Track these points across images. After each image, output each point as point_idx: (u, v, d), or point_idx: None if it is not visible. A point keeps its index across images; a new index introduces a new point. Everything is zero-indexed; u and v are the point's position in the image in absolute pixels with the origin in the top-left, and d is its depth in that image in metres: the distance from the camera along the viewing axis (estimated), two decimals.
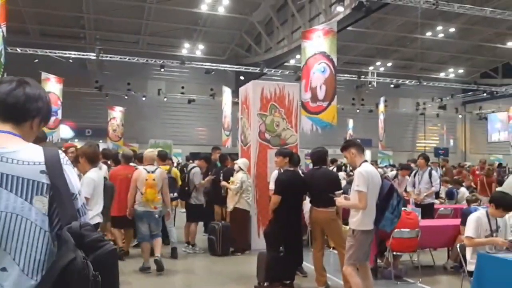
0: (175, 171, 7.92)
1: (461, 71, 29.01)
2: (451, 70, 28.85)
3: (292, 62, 23.52)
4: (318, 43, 14.16)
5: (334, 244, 5.83)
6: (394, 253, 6.38)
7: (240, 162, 7.87)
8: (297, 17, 20.65)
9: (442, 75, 28.59)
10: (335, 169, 14.20)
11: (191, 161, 11.27)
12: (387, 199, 4.71)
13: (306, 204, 6.34)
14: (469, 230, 5.01)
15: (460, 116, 31.17)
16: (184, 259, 7.49)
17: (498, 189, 7.42)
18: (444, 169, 13.46)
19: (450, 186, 11.27)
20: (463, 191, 11.04)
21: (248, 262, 6.85)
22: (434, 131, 30.83)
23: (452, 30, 23.10)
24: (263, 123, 8.16)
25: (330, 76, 13.85)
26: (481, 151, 30.91)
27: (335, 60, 14.02)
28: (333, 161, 15.99)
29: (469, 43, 25.59)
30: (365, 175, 4.57)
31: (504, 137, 27.00)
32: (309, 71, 14.08)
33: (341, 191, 5.84)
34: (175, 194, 7.81)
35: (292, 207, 5.68)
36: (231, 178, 7.85)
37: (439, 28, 23.07)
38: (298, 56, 20.90)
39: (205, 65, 22.61)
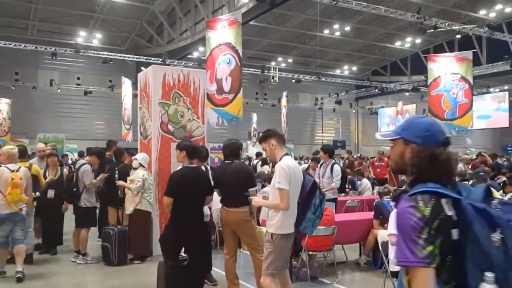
0: (36, 168, 6.53)
1: (354, 68, 29.95)
2: (346, 67, 29.66)
3: (195, 54, 22.49)
4: (223, 34, 13.33)
5: (247, 248, 5.01)
6: (310, 252, 5.76)
7: (140, 157, 6.73)
8: (200, 8, 19.65)
9: (338, 72, 29.29)
10: (260, 163, 13.52)
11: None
12: (310, 198, 3.97)
13: (215, 202, 5.49)
14: (392, 227, 4.47)
15: (353, 110, 32.28)
16: (72, 272, 6.20)
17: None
18: (346, 161, 13.41)
19: (350, 177, 11.09)
20: (365, 182, 10.90)
21: (148, 271, 5.79)
22: (331, 125, 31.59)
23: (347, 29, 23.58)
24: (165, 113, 7.07)
25: (236, 68, 13.08)
26: (371, 143, 32.31)
27: (240, 51, 13.28)
28: (258, 154, 15.33)
29: (363, 42, 26.43)
30: (287, 170, 3.79)
31: None
32: (214, 62, 13.21)
33: (255, 188, 5.04)
34: (38, 194, 6.51)
35: (191, 208, 4.61)
36: (131, 176, 6.71)
37: (336, 26, 23.44)
38: (201, 49, 19.96)
39: (102, 54, 20.72)
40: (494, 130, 32.06)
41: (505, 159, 13.89)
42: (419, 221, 1.53)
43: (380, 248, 4.70)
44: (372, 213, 6.84)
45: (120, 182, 6.78)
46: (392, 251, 4.50)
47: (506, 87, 27.48)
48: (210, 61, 13.16)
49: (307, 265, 5.73)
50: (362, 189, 10.52)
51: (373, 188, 10.70)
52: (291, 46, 26.51)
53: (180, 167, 4.86)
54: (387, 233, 6.06)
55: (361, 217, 6.73)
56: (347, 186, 10.35)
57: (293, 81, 24.82)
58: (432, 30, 17.94)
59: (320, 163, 8.06)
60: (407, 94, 28.45)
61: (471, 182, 8.36)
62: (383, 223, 6.32)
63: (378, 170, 12.21)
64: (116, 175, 7.06)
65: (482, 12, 21.79)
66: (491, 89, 27.56)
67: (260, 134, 4.23)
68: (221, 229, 5.41)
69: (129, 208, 6.52)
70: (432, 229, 1.53)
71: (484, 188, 1.69)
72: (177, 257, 4.64)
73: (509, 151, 25.22)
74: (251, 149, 22.69)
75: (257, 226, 5.05)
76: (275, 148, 3.99)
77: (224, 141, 5.18)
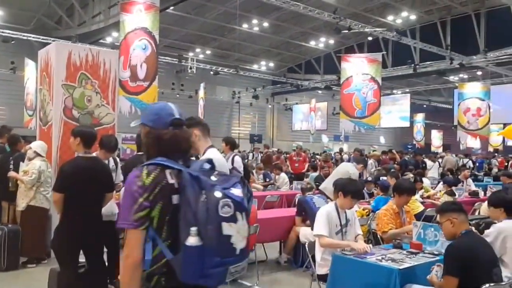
0: None
1: (271, 64, 29.92)
2: (263, 62, 29.52)
3: (109, 40, 20.94)
4: (139, 18, 12.34)
5: None
6: None
7: (36, 145, 5.71)
8: None
9: (255, 66, 29.06)
10: None
11: None
12: None
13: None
14: (321, 227, 4.06)
15: (269, 106, 32.30)
16: None
17: (333, 176, 6.86)
18: (265, 155, 13.12)
19: (263, 171, 10.76)
20: (283, 177, 10.61)
21: (43, 277, 4.88)
22: (248, 119, 31.34)
23: (266, 24, 23.37)
24: (69, 96, 6.09)
25: (152, 55, 12.19)
26: (285, 138, 32.65)
27: (157, 38, 12.41)
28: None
29: (280, 39, 26.41)
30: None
31: (306, 126, 28.86)
32: (129, 47, 12.21)
33: None
34: None
35: (86, 206, 3.73)
36: (24, 167, 5.71)
37: (255, 21, 23.12)
38: (115, 34, 18.59)
39: (3, 33, 18.50)
40: (395, 129, 33.91)
41: (410, 156, 14.47)
42: (139, 188, 1.78)
43: (307, 249, 4.28)
44: (293, 209, 6.48)
45: (12, 173, 5.74)
46: (319, 254, 4.10)
47: (407, 90, 29.11)
48: (124, 46, 12.11)
49: None
50: (280, 183, 10.21)
51: (290, 183, 10.44)
52: (210, 37, 25.77)
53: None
54: (310, 232, 5.74)
55: (283, 214, 6.33)
56: (266, 179, 10.01)
57: (211, 73, 24.13)
58: (346, 31, 18.25)
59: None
60: (320, 92, 28.99)
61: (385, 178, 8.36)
62: (305, 220, 5.97)
63: (296, 164, 12.04)
64: (11, 166, 5.99)
65: (390, 18, 22.64)
66: (395, 91, 29.01)
67: None
68: None
69: (20, 204, 5.52)
70: (152, 195, 1.78)
71: (206, 161, 1.95)
72: (72, 264, 3.80)
73: (409, 149, 26.67)
74: None
75: None
76: (198, 140, 3.35)
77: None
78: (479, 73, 24.68)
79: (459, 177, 9.91)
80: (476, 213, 7.95)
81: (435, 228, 3.99)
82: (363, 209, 5.95)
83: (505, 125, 23.64)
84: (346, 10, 21.00)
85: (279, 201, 8.42)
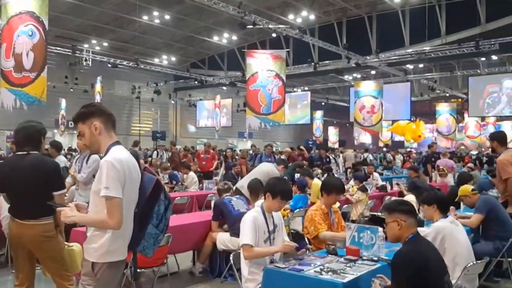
0: None
1: (174, 59, 28.77)
2: (165, 57, 28.26)
3: None
4: (24, 1, 10.87)
5: (51, 275, 3.44)
6: (139, 270, 4.41)
7: None
8: None
9: (156, 60, 27.70)
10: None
11: None
12: (151, 205, 2.67)
13: (5, 207, 3.77)
14: (247, 236, 3.45)
15: (172, 101, 31.09)
16: None
17: (251, 176, 6.31)
18: (170, 153, 12.24)
19: (169, 171, 9.95)
20: (192, 176, 9.86)
21: None
22: (149, 115, 29.81)
23: (167, 17, 22.31)
24: None
25: (40, 43, 10.75)
26: (189, 136, 31.73)
27: (46, 24, 10.99)
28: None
29: (182, 32, 25.45)
30: (119, 168, 2.41)
31: (211, 123, 28.22)
32: (12, 33, 10.66)
33: (64, 190, 3.49)
34: None
35: None
36: None
37: (156, 13, 21.96)
38: None
39: None
40: (295, 126, 34.66)
41: (315, 153, 14.58)
42: None
43: (232, 261, 3.66)
44: (208, 213, 5.83)
45: None
46: (246, 267, 3.50)
47: (306, 88, 29.83)
48: (6, 32, 10.55)
49: (134, 285, 4.38)
50: (188, 183, 9.47)
51: (199, 182, 9.74)
52: (108, 29, 23.96)
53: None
54: (228, 237, 5.14)
55: (197, 219, 5.61)
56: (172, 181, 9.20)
57: (109, 65, 22.39)
58: (251, 27, 17.95)
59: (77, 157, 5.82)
60: (224, 88, 28.51)
61: (298, 175, 8.05)
62: (223, 224, 5.35)
63: (204, 162, 11.35)
64: None
65: (290, 17, 22.87)
66: (295, 89, 29.54)
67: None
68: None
69: None
70: None
71: None
72: None
73: (310, 145, 27.33)
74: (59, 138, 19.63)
75: (66, 243, 3.50)
76: (99, 133, 2.55)
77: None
78: (373, 72, 25.97)
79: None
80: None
81: (372, 230, 3.62)
82: (284, 209, 5.49)
83: (393, 121, 25.26)
84: (249, 6, 20.74)
85: (189, 203, 7.70)
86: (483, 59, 25.12)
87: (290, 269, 3.15)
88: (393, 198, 8.04)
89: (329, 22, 24.47)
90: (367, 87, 21.34)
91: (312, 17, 23.11)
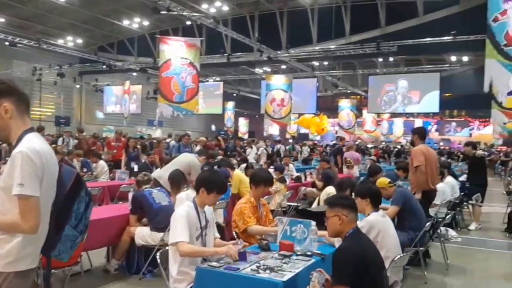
0: None
1: (80, 41, 26.70)
2: (70, 38, 26.12)
3: None
4: None
5: None
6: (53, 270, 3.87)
7: None
8: None
9: (61, 42, 25.51)
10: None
11: None
12: (70, 203, 2.26)
13: None
14: (181, 233, 3.13)
15: (77, 86, 28.87)
16: None
17: (171, 166, 5.93)
18: (77, 140, 11.24)
19: (81, 158, 9.16)
20: (102, 165, 9.17)
21: None
22: (51, 99, 27.39)
23: None
24: None
25: None
26: (96, 122, 29.85)
27: None
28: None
29: (90, 13, 23.64)
30: (35, 160, 1.97)
31: (119, 110, 26.73)
32: None
33: None
34: None
35: None
36: None
37: None
38: None
39: None
40: (206, 116, 34.25)
41: (230, 142, 14.42)
42: None
43: (158, 260, 3.31)
44: (125, 206, 5.37)
45: None
46: (175, 266, 3.19)
47: (218, 78, 29.57)
48: None
49: (43, 286, 3.84)
50: (98, 172, 8.76)
51: (109, 172, 9.06)
52: (5, 3, 21.47)
53: None
54: (148, 232, 4.76)
55: (113, 212, 5.12)
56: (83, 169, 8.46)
57: (7, 43, 20.10)
58: (165, 12, 17.20)
59: None
60: (134, 74, 27.15)
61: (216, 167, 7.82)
62: (142, 218, 4.95)
63: (115, 151, 10.58)
64: None
65: (204, 6, 22.38)
66: (208, 79, 29.13)
67: None
68: None
69: None
70: None
71: None
72: None
73: (222, 135, 27.18)
74: None
75: None
76: (10, 117, 2.07)
77: None
78: (283, 66, 26.44)
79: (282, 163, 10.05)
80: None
81: (305, 224, 3.50)
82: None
83: (300, 115, 26.02)
84: None
85: (100, 194, 7.09)
86: (380, 59, 26.86)
87: (225, 268, 2.91)
88: (309, 188, 8.19)
89: (242, 15, 24.38)
90: (278, 80, 21.67)
91: (225, 8, 22.81)
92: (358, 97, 31.27)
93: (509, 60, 9.23)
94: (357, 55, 22.16)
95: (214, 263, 2.99)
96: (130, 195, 5.12)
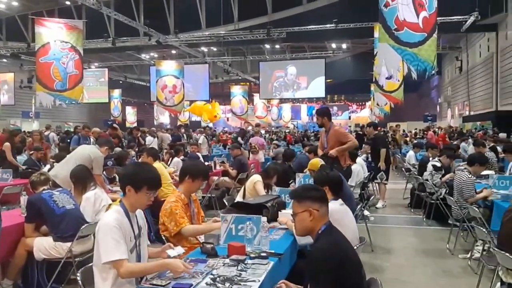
0: None
1: None
2: None
3: None
4: None
5: None
6: None
7: None
8: None
9: None
10: None
11: None
12: None
13: None
14: (116, 248, 2.43)
15: None
16: None
17: (69, 161, 5.00)
18: None
19: None
20: None
21: None
22: None
23: None
24: None
25: None
26: None
27: None
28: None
29: None
30: None
31: None
32: None
33: None
34: None
35: None
36: None
37: None
38: None
39: None
40: (89, 105, 31.65)
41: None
42: None
43: (79, 279, 2.58)
44: (15, 212, 4.38)
45: None
46: (105, 286, 2.50)
47: (101, 65, 27.45)
48: None
49: None
50: None
51: None
52: None
53: None
54: (51, 243, 3.89)
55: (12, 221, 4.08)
56: None
57: None
58: None
59: None
60: (4, 61, 23.83)
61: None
62: (41, 226, 4.05)
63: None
64: None
65: None
66: (91, 66, 26.87)
67: None
68: None
69: None
70: None
71: None
72: None
73: (110, 125, 25.29)
74: None
75: None
76: None
77: None
78: (174, 52, 25.41)
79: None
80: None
81: (254, 221, 3.04)
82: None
83: (191, 102, 25.37)
84: None
85: None
86: (268, 46, 27.24)
87: (174, 286, 2.32)
88: (222, 178, 7.73)
89: None
90: (169, 66, 20.67)
91: None
92: (248, 83, 31.50)
93: (400, 44, 9.68)
94: (246, 41, 22.11)
95: (157, 281, 2.38)
96: (23, 200, 4.14)
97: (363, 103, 42.76)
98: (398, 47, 9.83)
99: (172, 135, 13.75)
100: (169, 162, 7.94)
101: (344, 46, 30.83)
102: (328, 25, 19.79)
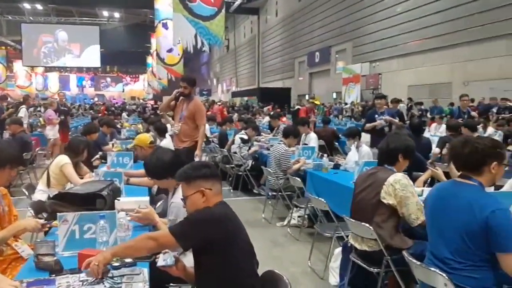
0: None
1: None
2: None
3: None
4: None
5: None
6: None
7: None
8: None
9: None
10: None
11: None
12: None
13: None
14: None
15: None
16: None
17: None
18: None
19: None
20: None
21: None
22: None
23: None
24: None
25: None
26: None
27: None
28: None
29: None
30: None
31: None
32: None
33: None
34: None
35: None
36: None
37: None
38: None
39: None
40: None
41: None
42: None
43: None
44: None
45: None
46: None
47: None
48: None
49: None
50: None
51: None
52: None
53: None
54: None
55: None
56: None
57: None
58: None
59: None
60: None
61: None
62: None
63: None
64: None
65: None
66: None
67: None
68: None
69: None
70: None
71: None
72: None
73: None
74: None
75: None
76: None
77: None
78: None
79: None
80: None
81: (108, 217, 2.29)
82: None
83: None
84: None
85: None
86: (28, 6, 23.23)
87: None
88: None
89: None
90: None
91: None
92: (5, 47, 26.39)
93: (193, 16, 9.50)
94: None
95: None
96: None
97: (137, 75, 41.62)
98: (192, 19, 9.65)
99: None
100: None
101: (117, 15, 29.01)
102: None
